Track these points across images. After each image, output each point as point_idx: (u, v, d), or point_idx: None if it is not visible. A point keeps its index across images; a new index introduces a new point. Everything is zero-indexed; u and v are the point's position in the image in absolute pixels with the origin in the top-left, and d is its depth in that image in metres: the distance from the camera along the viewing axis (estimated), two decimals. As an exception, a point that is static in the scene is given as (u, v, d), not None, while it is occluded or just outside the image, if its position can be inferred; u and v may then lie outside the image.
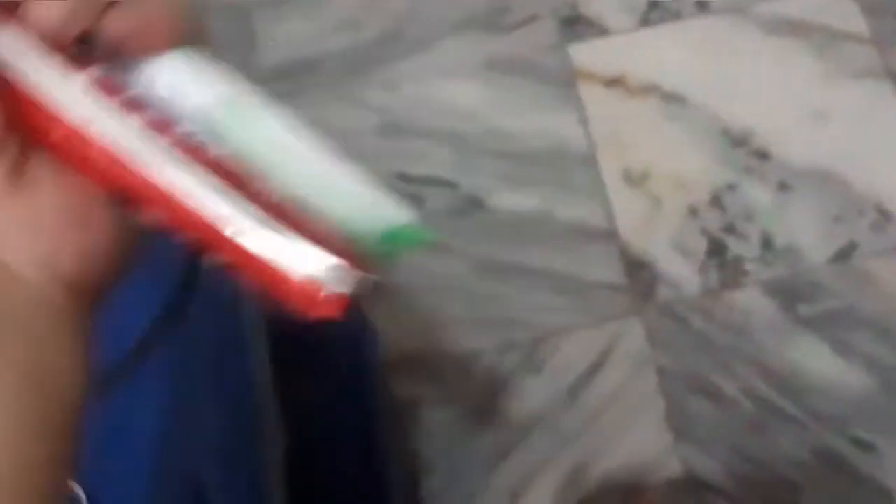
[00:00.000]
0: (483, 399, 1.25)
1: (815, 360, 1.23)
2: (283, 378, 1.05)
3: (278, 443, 0.89)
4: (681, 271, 1.29)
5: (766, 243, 1.30)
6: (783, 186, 1.32)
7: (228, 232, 0.39)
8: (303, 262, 0.38)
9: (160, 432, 0.61)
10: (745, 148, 1.35)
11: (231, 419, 0.61)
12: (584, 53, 1.43)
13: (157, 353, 0.63)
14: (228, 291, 0.65)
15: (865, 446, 1.18)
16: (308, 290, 0.38)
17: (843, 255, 1.28)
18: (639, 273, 1.30)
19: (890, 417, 1.19)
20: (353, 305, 0.37)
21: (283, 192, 0.40)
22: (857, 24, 1.40)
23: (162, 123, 0.40)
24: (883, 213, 1.29)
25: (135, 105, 0.40)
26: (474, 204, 1.36)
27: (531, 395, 1.25)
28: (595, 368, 1.25)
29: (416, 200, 1.38)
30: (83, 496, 0.58)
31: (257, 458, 0.61)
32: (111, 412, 0.62)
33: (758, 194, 1.32)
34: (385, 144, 1.41)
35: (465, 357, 1.28)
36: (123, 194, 0.40)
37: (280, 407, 1.04)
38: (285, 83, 1.48)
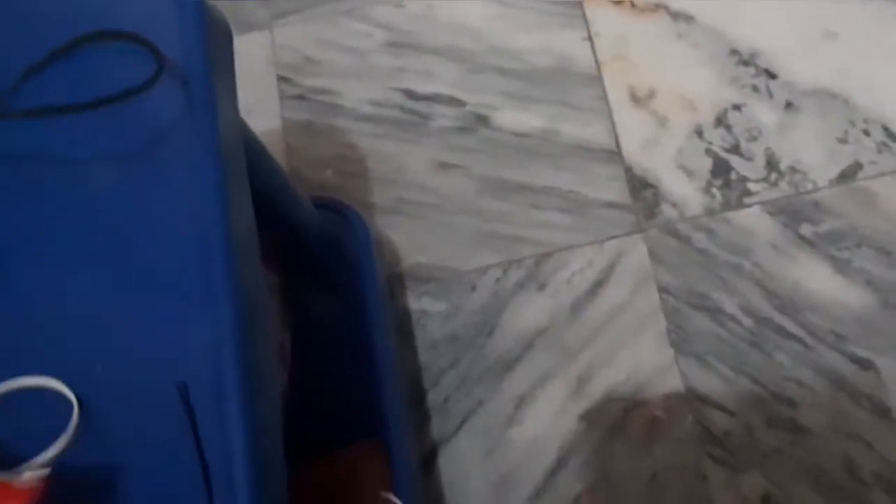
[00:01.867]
0: (488, 314, 1.27)
1: (815, 278, 1.24)
2: (289, 295, 1.05)
3: (274, 350, 0.90)
4: (684, 191, 1.30)
5: (771, 163, 1.30)
6: (789, 106, 1.32)
7: None
8: None
9: (147, 337, 0.62)
10: (751, 67, 1.35)
11: (217, 322, 0.62)
12: (592, -29, 1.42)
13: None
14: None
15: (864, 364, 1.19)
16: None
17: (848, 175, 1.28)
18: (642, 192, 1.31)
19: (888, 335, 1.20)
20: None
21: None
22: (869, -59, 1.39)
23: None
24: (888, 134, 1.29)
25: None
26: (480, 122, 1.37)
27: (535, 311, 1.27)
28: (598, 285, 1.27)
29: (422, 118, 1.38)
30: (74, 400, 0.59)
31: (247, 361, 0.62)
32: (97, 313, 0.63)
33: (764, 114, 1.32)
34: (391, 62, 1.41)
35: (470, 273, 1.29)
36: None
37: (289, 323, 1.05)
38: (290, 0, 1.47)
